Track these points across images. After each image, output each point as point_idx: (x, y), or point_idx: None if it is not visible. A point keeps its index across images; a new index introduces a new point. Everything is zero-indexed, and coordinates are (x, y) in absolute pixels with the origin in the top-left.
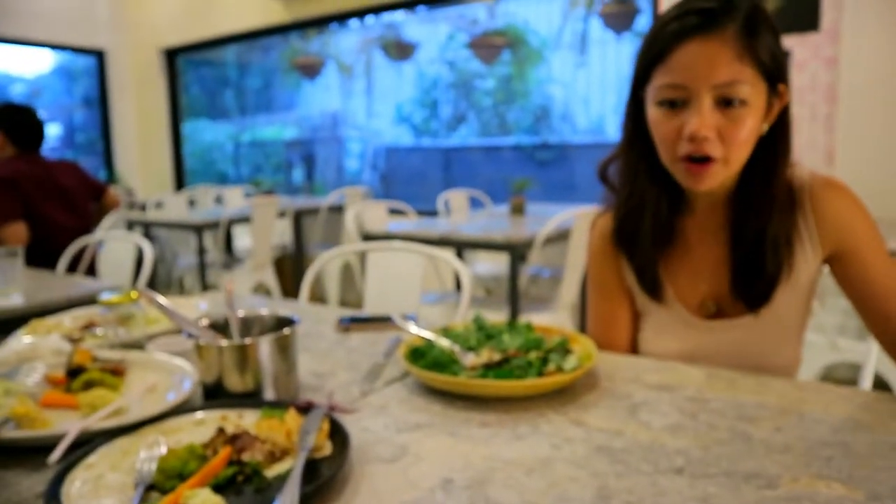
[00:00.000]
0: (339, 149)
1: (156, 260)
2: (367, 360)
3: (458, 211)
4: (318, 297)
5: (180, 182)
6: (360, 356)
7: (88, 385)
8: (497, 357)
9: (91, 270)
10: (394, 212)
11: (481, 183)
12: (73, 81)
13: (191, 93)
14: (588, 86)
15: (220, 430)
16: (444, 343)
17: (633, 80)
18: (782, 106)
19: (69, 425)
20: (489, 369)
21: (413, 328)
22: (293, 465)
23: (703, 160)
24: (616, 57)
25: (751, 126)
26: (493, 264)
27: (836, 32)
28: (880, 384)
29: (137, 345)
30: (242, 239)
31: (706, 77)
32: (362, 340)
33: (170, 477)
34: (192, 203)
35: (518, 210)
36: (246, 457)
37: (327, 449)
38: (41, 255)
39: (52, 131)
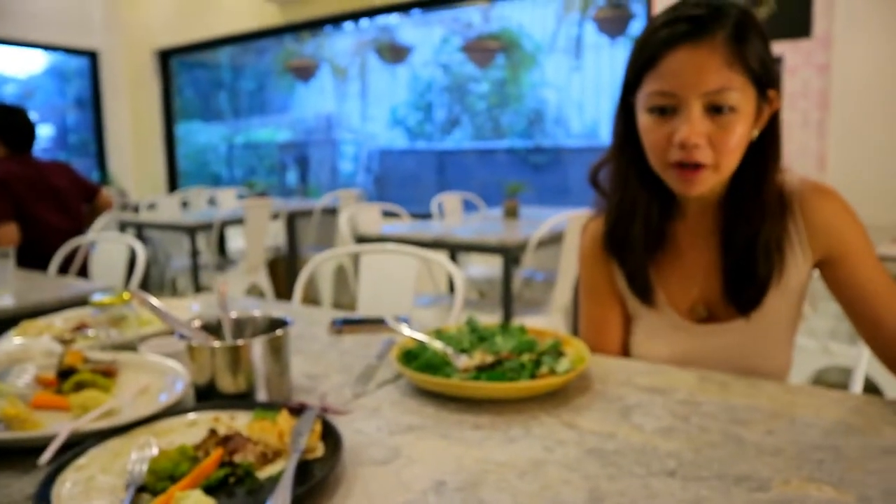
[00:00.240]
0: (333, 151)
1: (148, 261)
2: (359, 361)
3: (451, 214)
4: (311, 299)
5: (173, 184)
6: (353, 358)
7: (79, 386)
8: (490, 359)
9: (83, 272)
10: (387, 214)
11: (475, 186)
12: (66, 82)
13: (184, 95)
14: (582, 90)
15: (212, 432)
16: (437, 345)
17: (623, 85)
18: (772, 112)
19: (60, 427)
20: (482, 371)
21: (406, 330)
22: (285, 467)
23: (693, 166)
24: (610, 61)
25: (741, 132)
26: (487, 267)
27: (828, 39)
28: (871, 388)
29: (129, 346)
30: (236, 241)
31: (696, 84)
32: (355, 342)
33: (161, 478)
34: (185, 205)
35: (511, 213)
36: (238, 458)
37: (319, 450)
38: (33, 257)
39: (45, 132)
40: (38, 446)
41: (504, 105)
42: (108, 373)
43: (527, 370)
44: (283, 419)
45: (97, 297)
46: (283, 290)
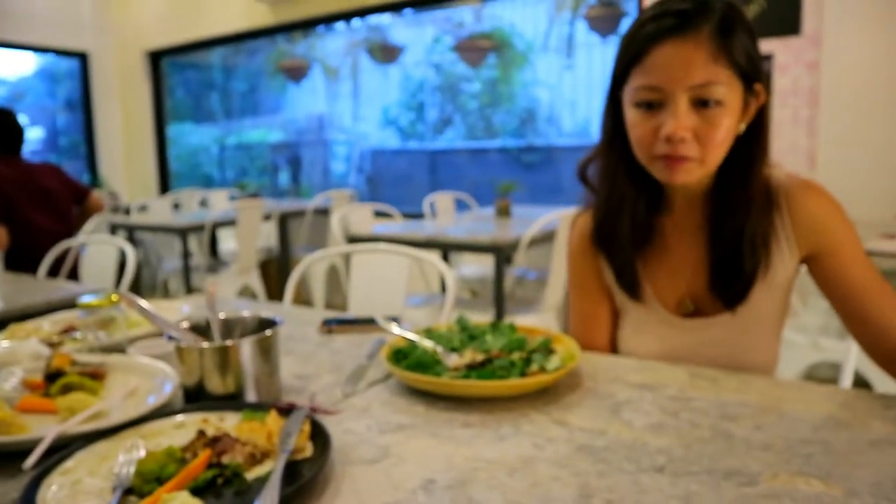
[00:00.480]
0: (325, 152)
1: (140, 264)
2: (350, 361)
3: (443, 213)
4: (303, 300)
5: (165, 185)
6: (344, 358)
7: (67, 389)
8: (480, 358)
9: (73, 274)
10: (380, 214)
11: (467, 185)
12: (56, 84)
13: (176, 96)
14: (574, 89)
15: (200, 433)
16: (428, 344)
17: (611, 80)
18: (759, 105)
19: (46, 430)
20: (472, 370)
21: (396, 329)
22: (273, 467)
23: (679, 158)
24: (602, 60)
25: (727, 126)
26: (479, 266)
27: (818, 37)
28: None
29: (118, 348)
30: (228, 242)
31: (682, 79)
32: (346, 342)
33: (148, 480)
34: (176, 206)
35: (504, 212)
36: (226, 459)
37: (308, 451)
38: (22, 259)
39: (35, 134)
40: (24, 450)
41: (496, 104)
42: (96, 375)
43: (517, 368)
44: (272, 420)
45: (85, 300)
46: (276, 291)
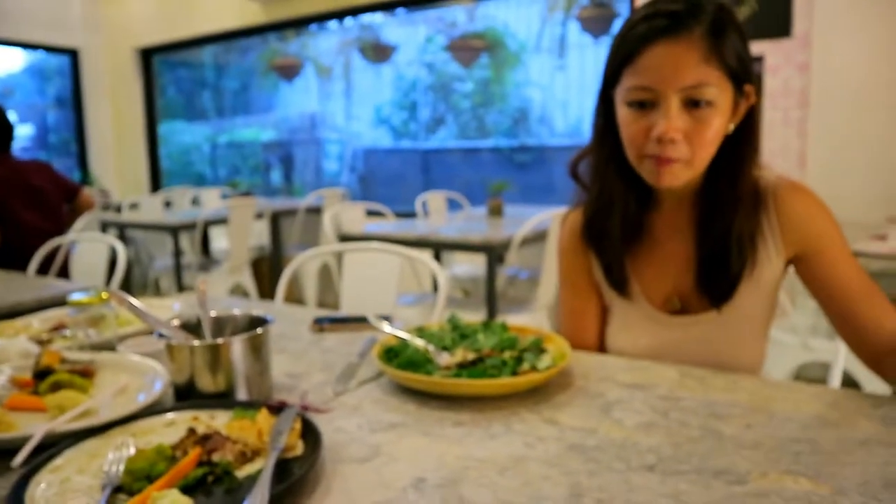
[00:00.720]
0: (317, 150)
1: (131, 262)
2: (341, 360)
3: (436, 213)
4: (296, 298)
5: (156, 183)
6: (335, 356)
7: (56, 387)
8: (471, 356)
9: (63, 272)
10: (372, 213)
11: (459, 185)
12: (46, 81)
13: (167, 94)
14: (566, 89)
15: (191, 431)
16: (419, 343)
17: (603, 79)
18: (749, 106)
19: (35, 428)
20: (463, 369)
21: (388, 328)
22: (264, 466)
23: (667, 159)
24: (594, 61)
25: (717, 127)
26: (471, 266)
27: (808, 39)
28: (849, 382)
29: (108, 346)
30: (219, 240)
31: (673, 80)
32: (337, 341)
33: (138, 478)
34: (168, 204)
35: (496, 212)
36: (216, 457)
37: (299, 449)
38: (12, 257)
39: (25, 132)
40: (12, 448)
41: (488, 104)
42: (86, 373)
43: (508, 367)
44: (263, 418)
45: (75, 297)
46: (268, 290)
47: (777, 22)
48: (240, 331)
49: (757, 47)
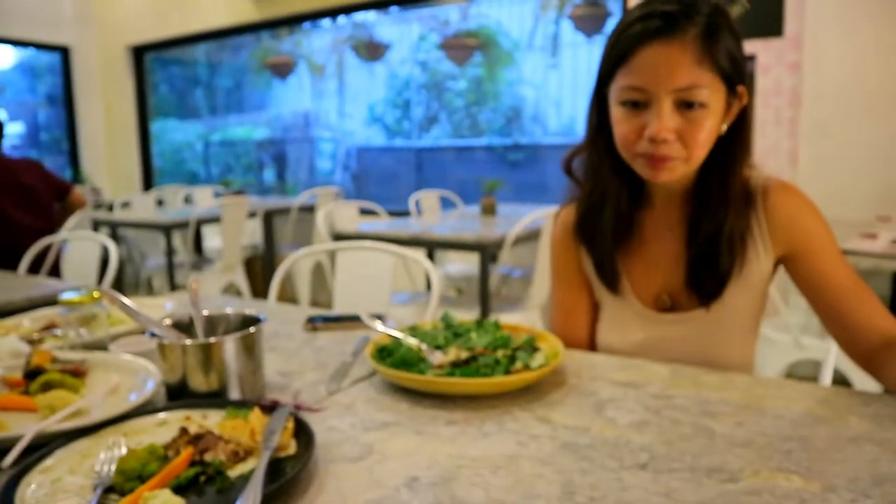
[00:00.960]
0: (310, 149)
1: (124, 261)
2: (334, 359)
3: (429, 211)
4: (289, 297)
5: (148, 182)
6: (328, 355)
7: (47, 387)
8: (464, 355)
9: (55, 271)
10: (365, 212)
11: (453, 184)
12: (37, 79)
13: (159, 92)
14: (559, 88)
15: (183, 431)
16: (412, 342)
17: (597, 77)
18: (741, 107)
19: (26, 428)
20: (456, 367)
21: (380, 327)
22: (256, 465)
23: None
24: (587, 59)
25: (709, 127)
26: (465, 264)
27: (799, 38)
28: (840, 380)
29: (100, 345)
30: (212, 239)
31: (666, 81)
32: (330, 340)
33: (129, 478)
34: (160, 203)
35: (489, 210)
36: (209, 457)
37: (292, 448)
38: (2, 256)
39: (15, 130)
40: (2, 448)
41: (482, 103)
42: (77, 372)
43: (501, 366)
44: (256, 417)
45: (67, 296)
46: (261, 289)
47: (769, 21)
48: (232, 330)
49: (748, 46)
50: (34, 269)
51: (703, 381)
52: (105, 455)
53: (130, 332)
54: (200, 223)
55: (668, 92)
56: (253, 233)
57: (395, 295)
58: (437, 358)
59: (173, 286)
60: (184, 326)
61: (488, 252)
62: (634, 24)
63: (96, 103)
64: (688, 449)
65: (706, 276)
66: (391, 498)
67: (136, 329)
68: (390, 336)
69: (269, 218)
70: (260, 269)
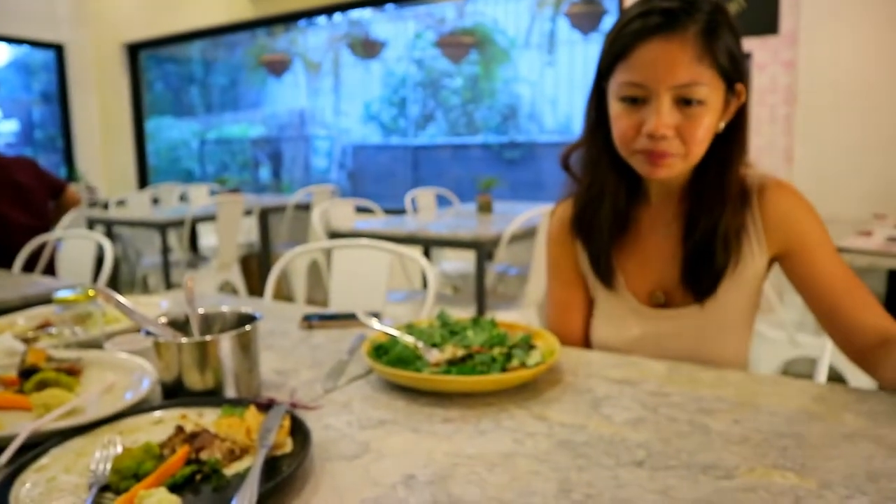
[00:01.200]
0: (306, 147)
1: (119, 259)
2: (331, 357)
3: (425, 209)
4: (285, 295)
5: (144, 180)
6: (324, 353)
7: (42, 386)
8: (461, 353)
9: (50, 270)
10: (361, 210)
11: (449, 181)
12: (31, 76)
13: (155, 89)
14: (555, 85)
15: (179, 429)
16: (408, 339)
17: (596, 72)
18: (739, 104)
19: (20, 427)
20: (452, 365)
21: (377, 325)
22: (253, 463)
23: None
24: (583, 57)
25: (708, 124)
26: (461, 262)
27: (795, 36)
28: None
29: (96, 344)
30: (208, 237)
31: (666, 78)
32: (326, 338)
33: (125, 477)
34: (156, 201)
35: (485, 208)
36: (205, 455)
37: (288, 446)
38: None
39: (9, 128)
40: None
41: (478, 100)
42: (72, 371)
43: (497, 363)
44: (252, 415)
45: (62, 295)
46: (256, 287)
47: (764, 19)
48: (228, 328)
49: (744, 44)
50: (29, 267)
51: (698, 379)
52: (100, 454)
53: (126, 331)
54: (196, 221)
55: (668, 88)
56: (249, 231)
57: (391, 293)
58: (434, 356)
59: (169, 284)
60: (179, 325)
61: (484, 250)
62: (635, 19)
63: (91, 101)
64: (684, 446)
65: (701, 272)
66: (387, 496)
67: (132, 327)
68: (386, 334)
69: (264, 216)
70: (256, 267)
